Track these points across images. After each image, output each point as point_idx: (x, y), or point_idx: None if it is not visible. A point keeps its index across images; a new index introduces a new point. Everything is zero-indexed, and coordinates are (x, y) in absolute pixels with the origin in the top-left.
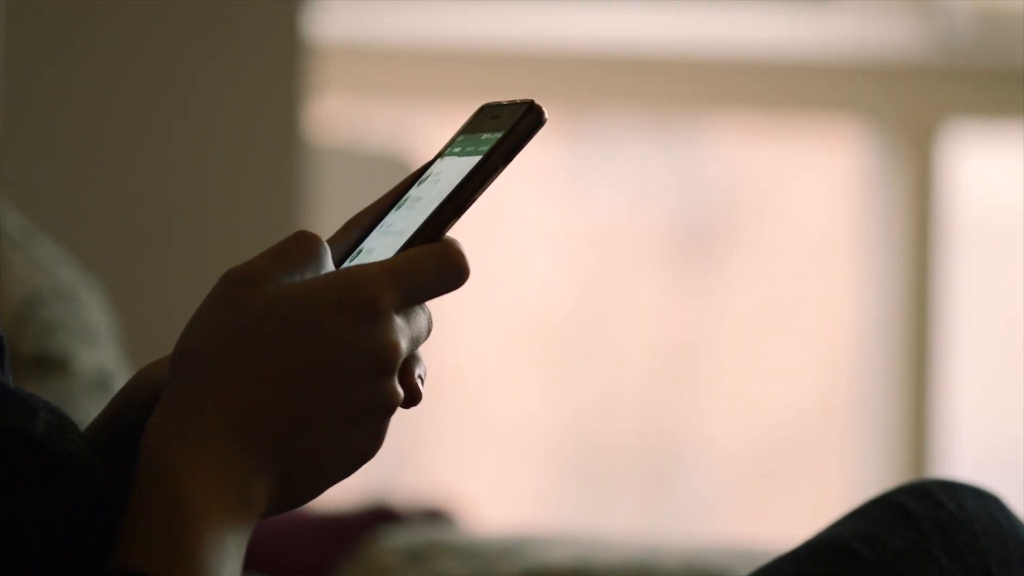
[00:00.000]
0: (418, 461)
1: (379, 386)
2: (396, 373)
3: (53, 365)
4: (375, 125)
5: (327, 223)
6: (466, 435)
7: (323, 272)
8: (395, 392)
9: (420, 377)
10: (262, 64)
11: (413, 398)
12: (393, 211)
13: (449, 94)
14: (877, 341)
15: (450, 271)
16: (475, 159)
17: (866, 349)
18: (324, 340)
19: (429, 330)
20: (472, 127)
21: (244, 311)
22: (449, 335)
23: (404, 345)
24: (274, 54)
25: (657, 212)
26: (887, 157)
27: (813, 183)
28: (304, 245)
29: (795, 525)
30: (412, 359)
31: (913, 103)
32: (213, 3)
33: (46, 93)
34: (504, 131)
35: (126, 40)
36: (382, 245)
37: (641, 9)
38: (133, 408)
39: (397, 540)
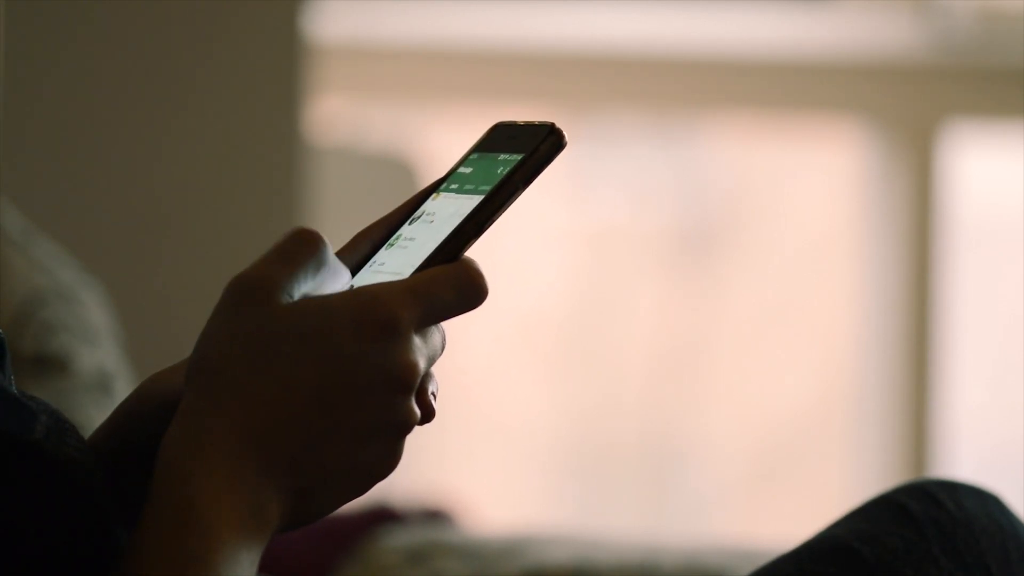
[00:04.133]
0: (419, 461)
1: (396, 405)
2: (414, 392)
3: (53, 365)
4: (375, 125)
5: (327, 223)
6: (467, 435)
7: (325, 268)
8: (412, 411)
9: (433, 394)
10: (262, 64)
11: (427, 416)
12: (407, 224)
13: (449, 94)
14: (877, 341)
15: (469, 292)
16: (494, 180)
17: (866, 349)
18: (343, 357)
19: (443, 348)
20: (487, 145)
21: (260, 325)
22: (450, 335)
23: (422, 365)
24: (274, 54)
25: (657, 212)
26: (887, 157)
27: (813, 183)
28: (304, 244)
29: (795, 525)
30: (427, 377)
31: (913, 103)
32: (213, 3)
33: (46, 93)
34: (524, 153)
35: (126, 40)
36: (395, 263)
37: (641, 9)
38: (140, 419)
39: (397, 540)
